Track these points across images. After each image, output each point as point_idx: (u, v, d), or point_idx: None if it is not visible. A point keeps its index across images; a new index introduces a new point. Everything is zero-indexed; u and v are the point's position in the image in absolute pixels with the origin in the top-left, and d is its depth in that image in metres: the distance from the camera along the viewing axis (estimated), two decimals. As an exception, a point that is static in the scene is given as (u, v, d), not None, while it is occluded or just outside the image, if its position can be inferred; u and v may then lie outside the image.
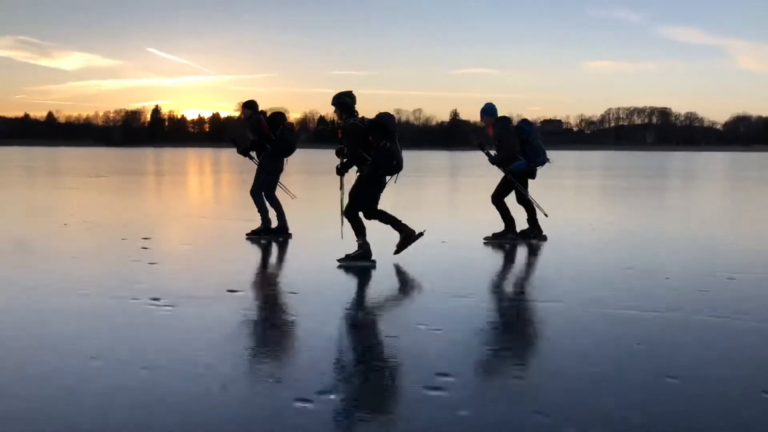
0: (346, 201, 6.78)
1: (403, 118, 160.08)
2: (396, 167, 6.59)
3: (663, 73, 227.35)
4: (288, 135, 8.54)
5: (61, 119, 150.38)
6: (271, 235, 8.47)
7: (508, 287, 6.13)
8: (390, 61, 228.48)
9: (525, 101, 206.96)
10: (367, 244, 6.66)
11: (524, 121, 8.52)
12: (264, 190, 8.59)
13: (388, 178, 6.73)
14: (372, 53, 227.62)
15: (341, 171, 6.79)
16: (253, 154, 8.75)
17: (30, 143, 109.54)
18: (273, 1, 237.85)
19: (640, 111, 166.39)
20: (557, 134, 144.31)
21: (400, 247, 6.88)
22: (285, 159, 8.65)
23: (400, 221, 6.80)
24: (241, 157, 8.98)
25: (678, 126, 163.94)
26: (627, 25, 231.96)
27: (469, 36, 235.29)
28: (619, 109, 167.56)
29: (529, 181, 8.45)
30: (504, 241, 8.24)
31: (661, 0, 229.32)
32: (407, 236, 6.81)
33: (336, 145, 6.89)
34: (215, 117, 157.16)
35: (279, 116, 8.61)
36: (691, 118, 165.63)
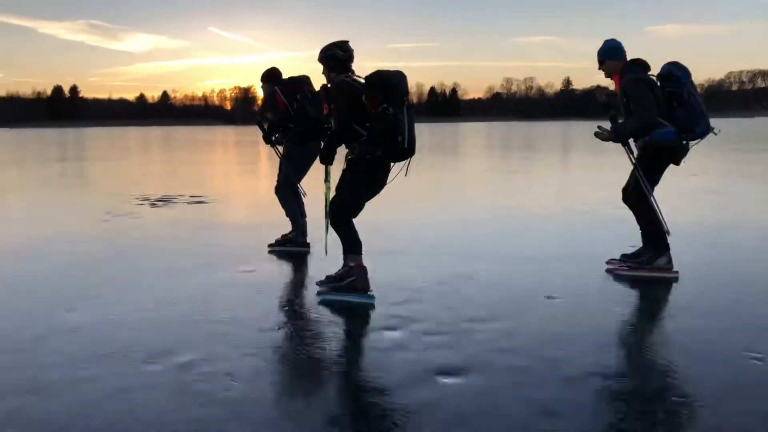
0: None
1: (513, 88, 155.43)
2: (403, 147, 4.37)
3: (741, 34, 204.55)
4: (309, 105, 6.17)
5: (150, 99, 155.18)
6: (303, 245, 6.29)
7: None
8: (449, 30, 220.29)
9: (593, 70, 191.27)
10: (363, 268, 4.57)
11: (674, 64, 5.03)
12: (292, 184, 6.32)
13: (393, 166, 4.55)
14: (431, 23, 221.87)
15: (325, 155, 4.61)
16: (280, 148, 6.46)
17: (147, 123, 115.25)
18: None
19: (765, 74, 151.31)
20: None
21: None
22: (321, 141, 6.02)
23: (359, 248, 4.56)
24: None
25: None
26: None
27: (528, 2, 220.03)
28: (741, 72, 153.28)
29: (670, 167, 5.06)
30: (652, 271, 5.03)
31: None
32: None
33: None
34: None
35: (296, 82, 6.25)
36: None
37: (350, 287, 4.53)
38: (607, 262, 5.37)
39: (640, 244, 5.25)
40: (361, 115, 4.44)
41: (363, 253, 4.58)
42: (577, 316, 4.08)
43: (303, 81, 6.24)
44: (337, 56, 4.68)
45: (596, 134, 5.10)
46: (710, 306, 4.28)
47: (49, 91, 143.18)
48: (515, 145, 29.36)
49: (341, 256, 4.63)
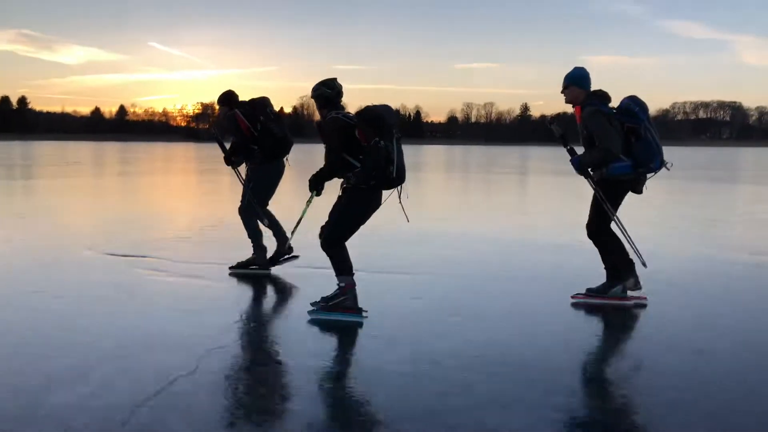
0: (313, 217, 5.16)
1: (474, 114, 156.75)
2: (395, 176, 4.70)
3: (667, 67, 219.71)
4: (274, 125, 6.21)
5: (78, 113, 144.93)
6: (265, 267, 6.36)
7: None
8: (391, 55, 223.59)
9: (529, 96, 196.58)
10: (353, 289, 4.82)
11: (633, 99, 5.19)
12: (259, 205, 6.32)
13: (386, 193, 4.84)
14: (373, 47, 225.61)
15: (315, 184, 4.88)
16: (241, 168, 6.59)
17: (102, 138, 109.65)
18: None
19: (705, 105, 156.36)
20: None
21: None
22: (284, 158, 6.39)
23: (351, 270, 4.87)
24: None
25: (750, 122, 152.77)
26: (627, 18, 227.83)
27: (467, 29, 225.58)
28: (685, 103, 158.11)
29: (629, 195, 5.34)
30: (607, 299, 5.36)
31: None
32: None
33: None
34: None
35: (258, 104, 6.28)
36: (762, 112, 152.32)
37: (341, 306, 4.81)
38: (573, 297, 5.45)
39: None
40: (354, 148, 4.76)
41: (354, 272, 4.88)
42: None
43: (263, 102, 6.32)
44: (324, 95, 4.98)
45: (572, 162, 5.32)
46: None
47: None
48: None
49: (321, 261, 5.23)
